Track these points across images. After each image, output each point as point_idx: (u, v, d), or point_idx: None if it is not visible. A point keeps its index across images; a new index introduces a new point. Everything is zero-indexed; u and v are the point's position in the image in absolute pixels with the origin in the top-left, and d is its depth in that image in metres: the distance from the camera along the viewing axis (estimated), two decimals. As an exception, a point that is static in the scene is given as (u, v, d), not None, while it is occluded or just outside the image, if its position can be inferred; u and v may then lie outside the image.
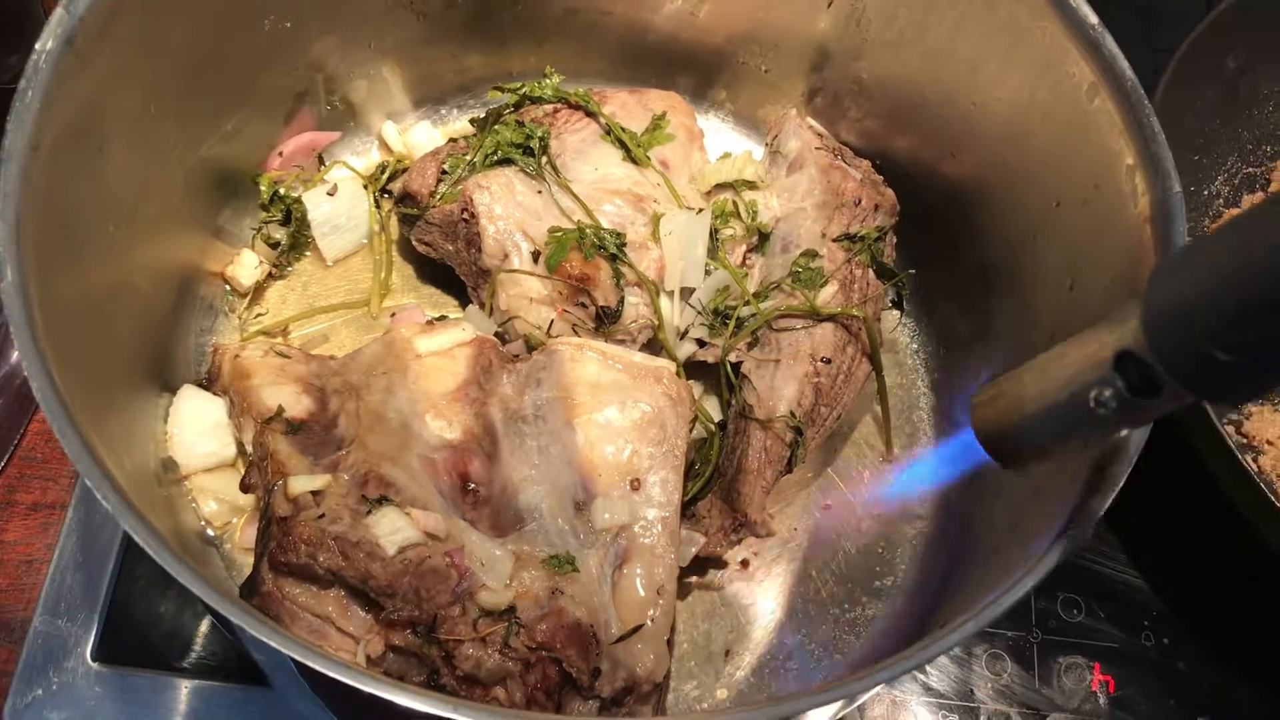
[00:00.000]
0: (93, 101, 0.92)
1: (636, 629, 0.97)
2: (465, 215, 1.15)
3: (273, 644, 0.75)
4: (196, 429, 1.11)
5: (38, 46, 0.85)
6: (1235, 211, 1.40)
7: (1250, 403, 1.29)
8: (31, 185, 0.83)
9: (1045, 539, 0.89)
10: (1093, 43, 0.97)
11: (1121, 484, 0.86)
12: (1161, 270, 0.64)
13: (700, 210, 1.18)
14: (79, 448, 0.80)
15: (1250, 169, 1.40)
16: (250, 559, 1.08)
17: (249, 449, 1.07)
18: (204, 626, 1.11)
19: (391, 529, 0.95)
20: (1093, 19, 0.97)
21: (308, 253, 1.25)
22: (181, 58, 1.03)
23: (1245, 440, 1.27)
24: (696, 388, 1.18)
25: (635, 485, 1.03)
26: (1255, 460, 1.25)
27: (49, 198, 0.86)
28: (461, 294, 1.23)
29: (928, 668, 1.17)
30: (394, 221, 1.27)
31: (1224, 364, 0.59)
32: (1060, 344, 0.72)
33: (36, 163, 0.84)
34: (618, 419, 1.06)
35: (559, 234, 1.14)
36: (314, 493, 0.98)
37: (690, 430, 1.10)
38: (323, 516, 0.95)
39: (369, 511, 0.96)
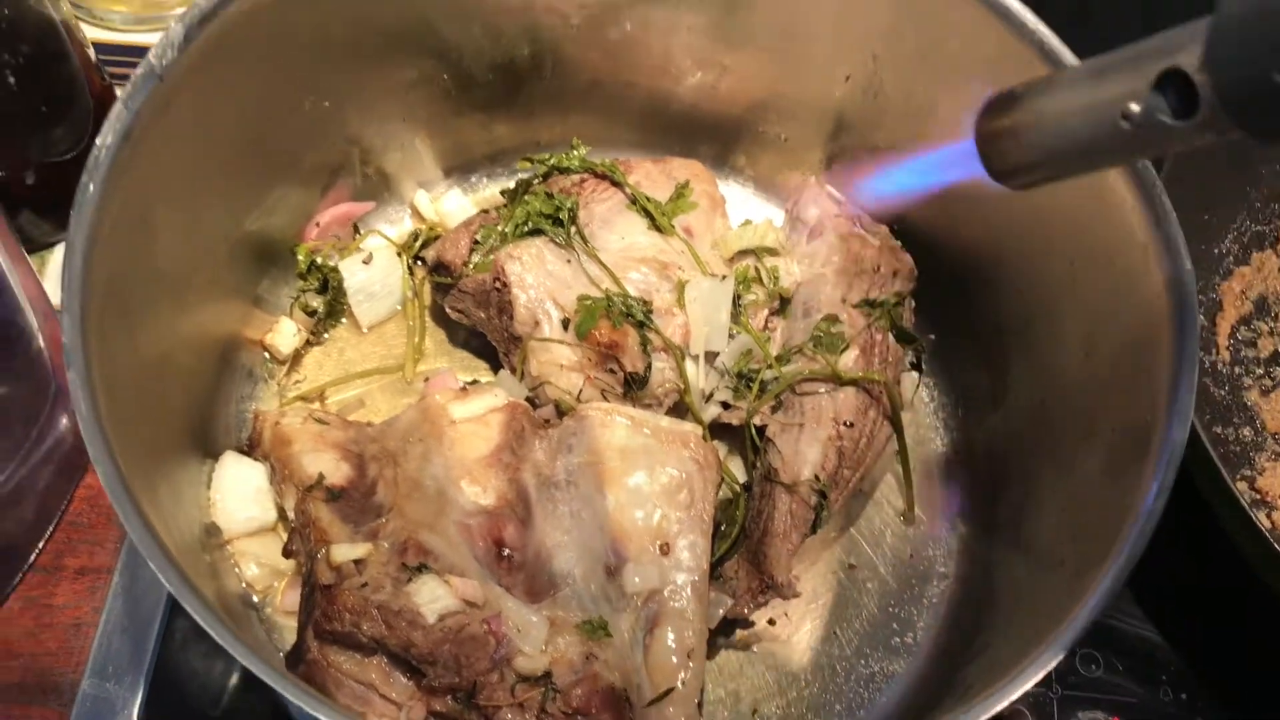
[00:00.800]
0: (146, 189, 0.96)
1: (668, 692, 0.99)
2: (498, 284, 1.19)
3: (321, 716, 0.79)
4: (239, 494, 1.14)
5: (98, 141, 0.90)
6: (1245, 269, 1.43)
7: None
8: (93, 273, 0.88)
9: (1068, 600, 0.92)
10: (1104, 122, 1.01)
11: (1143, 550, 0.89)
12: None
13: (724, 277, 1.22)
14: (136, 519, 0.84)
15: (1259, 226, 1.43)
16: (290, 622, 1.12)
17: (290, 515, 1.11)
18: (246, 688, 1.14)
19: (431, 597, 0.98)
20: None
21: (344, 319, 1.29)
22: (227, 142, 1.08)
23: (1259, 496, 1.29)
24: (721, 448, 1.21)
25: (665, 549, 1.06)
26: (1268, 516, 1.28)
27: (108, 284, 0.91)
28: (493, 357, 1.27)
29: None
30: (427, 287, 1.30)
31: (1276, 88, 0.58)
32: (1093, 59, 0.69)
33: (96, 252, 0.89)
34: (646, 484, 1.09)
35: (588, 302, 1.18)
36: (356, 560, 1.02)
37: (717, 493, 1.13)
38: (365, 585, 0.99)
39: (409, 579, 0.99)
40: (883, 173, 1.10)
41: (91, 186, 0.88)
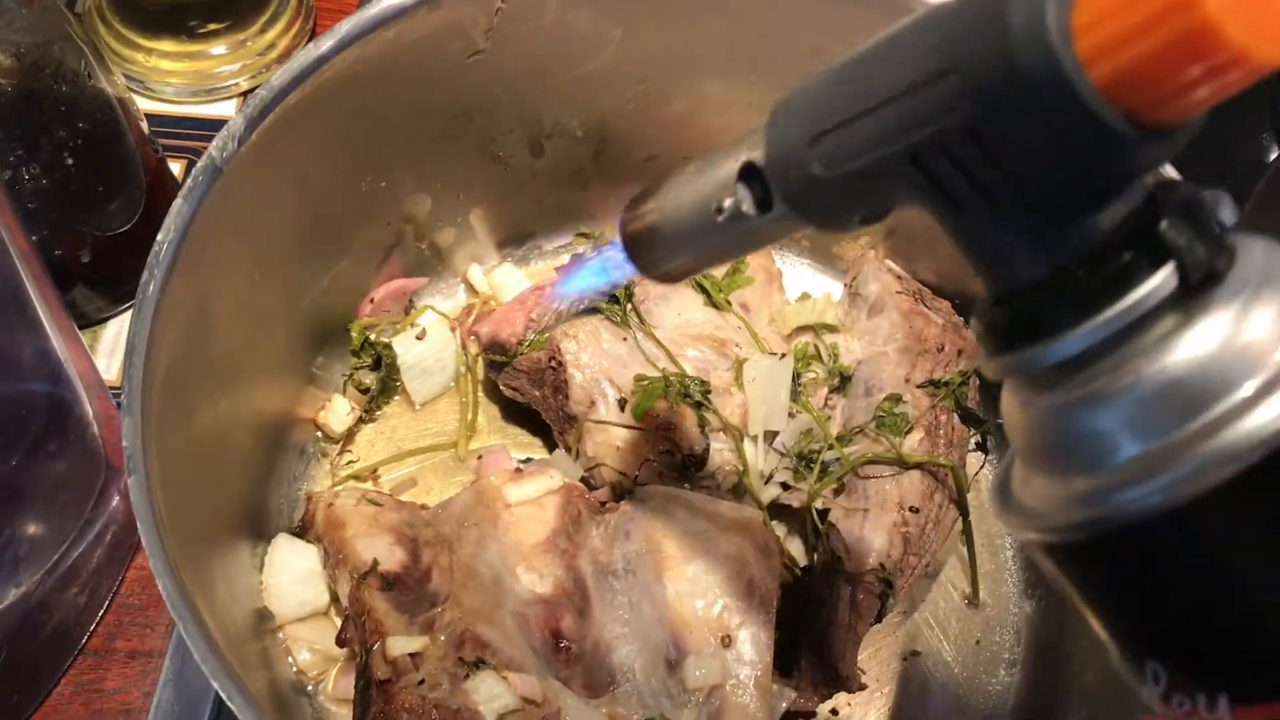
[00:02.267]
0: (206, 280, 0.96)
1: (733, 795, 0.97)
2: (553, 364, 1.17)
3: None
4: (291, 578, 1.13)
5: (159, 238, 0.89)
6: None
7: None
8: (153, 372, 0.87)
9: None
10: (1181, 208, 0.98)
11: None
12: (800, 86, 0.61)
13: (783, 355, 1.20)
14: (188, 615, 0.82)
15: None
16: (342, 710, 1.10)
17: (344, 601, 1.09)
18: (298, 778, 1.12)
19: (490, 695, 0.96)
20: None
21: (396, 396, 1.28)
22: (285, 226, 1.07)
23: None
24: (780, 529, 1.18)
25: (726, 642, 1.03)
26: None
27: (166, 378, 0.90)
28: (547, 433, 1.25)
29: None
30: (480, 362, 1.29)
31: (816, 179, 0.58)
32: (707, 152, 0.69)
33: (157, 350, 0.88)
34: (706, 572, 1.06)
35: (645, 383, 1.16)
36: (412, 654, 0.99)
37: (778, 581, 1.10)
38: (422, 682, 0.96)
39: (467, 675, 0.97)
40: (564, 277, 1.15)
41: (152, 286, 0.87)
